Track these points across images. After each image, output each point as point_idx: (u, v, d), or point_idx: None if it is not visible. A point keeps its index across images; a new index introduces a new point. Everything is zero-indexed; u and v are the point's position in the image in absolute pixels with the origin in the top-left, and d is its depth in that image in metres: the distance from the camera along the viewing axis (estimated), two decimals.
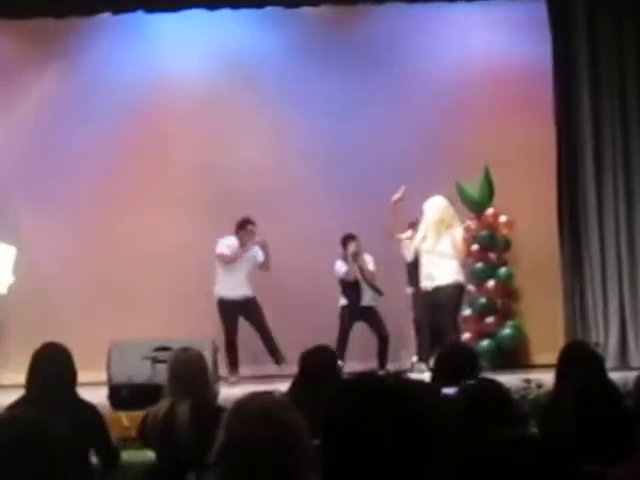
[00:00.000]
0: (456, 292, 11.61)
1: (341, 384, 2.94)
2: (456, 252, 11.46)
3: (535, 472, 2.27)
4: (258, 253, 12.23)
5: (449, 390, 4.37)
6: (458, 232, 11.58)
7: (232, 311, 12.10)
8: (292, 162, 13.12)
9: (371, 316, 12.21)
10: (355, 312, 12.19)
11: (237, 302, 12.08)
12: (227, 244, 12.18)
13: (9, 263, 11.28)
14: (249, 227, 12.12)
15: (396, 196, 11.60)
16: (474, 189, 12.77)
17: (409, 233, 11.90)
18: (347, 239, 12.16)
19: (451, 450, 2.56)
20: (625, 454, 3.74)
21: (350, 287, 12.24)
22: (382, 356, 12.11)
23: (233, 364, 11.88)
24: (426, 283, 11.56)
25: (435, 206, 11.56)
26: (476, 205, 12.80)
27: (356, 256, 12.16)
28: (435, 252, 11.47)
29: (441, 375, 6.09)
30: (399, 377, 2.88)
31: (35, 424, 2.94)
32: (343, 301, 12.27)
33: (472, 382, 4.59)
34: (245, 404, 3.58)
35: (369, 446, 2.59)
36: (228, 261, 12.10)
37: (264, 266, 12.24)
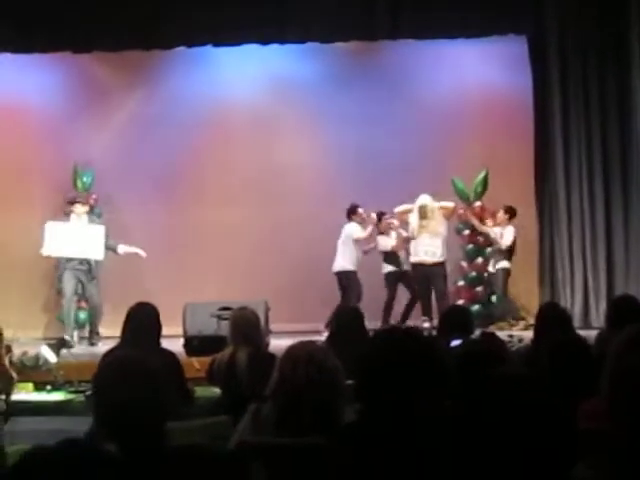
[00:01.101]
0: (442, 268, 11.65)
1: (377, 334, 2.96)
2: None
3: (525, 400, 2.29)
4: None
5: (456, 341, 4.37)
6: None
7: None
8: (326, 165, 13.09)
9: (408, 278, 11.92)
10: (398, 276, 11.93)
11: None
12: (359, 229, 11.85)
13: (101, 238, 11.31)
14: (359, 211, 11.87)
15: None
16: (466, 186, 12.71)
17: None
18: (381, 215, 11.90)
19: (458, 384, 2.58)
20: (590, 393, 3.72)
21: (393, 255, 11.94)
22: (408, 313, 11.88)
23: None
24: (426, 258, 11.55)
25: (428, 198, 11.57)
26: (465, 196, 12.76)
27: (396, 228, 11.98)
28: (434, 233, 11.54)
29: (445, 330, 6.09)
30: (418, 331, 2.90)
31: (138, 359, 2.96)
32: (389, 268, 11.96)
33: (479, 334, 4.57)
34: (294, 350, 3.61)
35: (397, 381, 2.61)
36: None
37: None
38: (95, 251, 11.29)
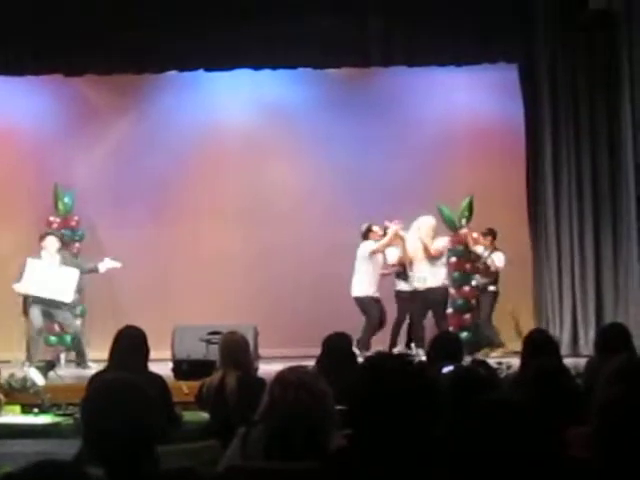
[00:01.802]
0: (445, 293, 11.65)
1: (367, 361, 2.96)
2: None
3: (512, 425, 2.30)
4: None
5: (446, 368, 4.37)
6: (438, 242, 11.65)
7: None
8: (317, 189, 13.11)
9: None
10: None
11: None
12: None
13: (74, 282, 11.21)
14: (374, 229, 11.61)
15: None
16: (452, 212, 12.73)
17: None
18: (387, 228, 11.60)
19: (449, 410, 2.59)
20: (574, 420, 3.72)
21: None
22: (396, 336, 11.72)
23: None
24: (418, 284, 11.53)
25: (430, 221, 11.59)
26: (452, 224, 12.77)
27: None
28: (428, 259, 11.53)
29: (435, 356, 6.10)
30: (408, 357, 2.91)
31: (128, 382, 2.96)
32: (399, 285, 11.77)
33: (470, 361, 4.58)
34: (285, 374, 3.61)
35: (387, 408, 2.61)
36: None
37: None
38: (64, 293, 11.13)
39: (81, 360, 11.27)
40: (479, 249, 12.17)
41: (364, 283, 11.48)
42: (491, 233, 12.08)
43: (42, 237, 11.45)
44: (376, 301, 11.52)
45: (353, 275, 11.53)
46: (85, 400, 2.98)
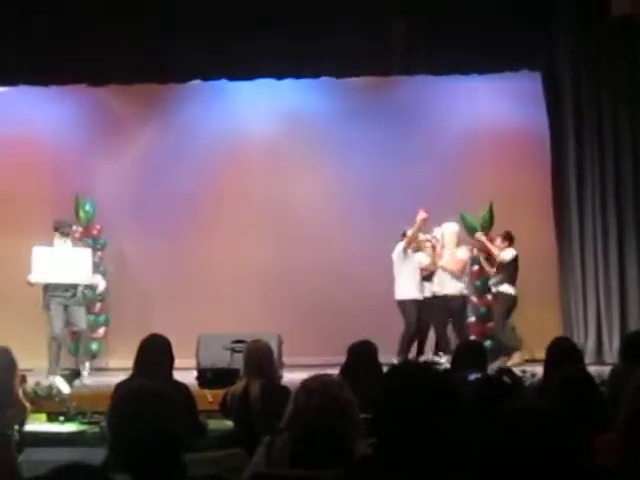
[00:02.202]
0: (464, 302, 11.63)
1: (392, 368, 2.97)
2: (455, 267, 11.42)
3: (538, 433, 2.30)
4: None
5: (472, 376, 4.36)
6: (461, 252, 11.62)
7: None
8: (339, 198, 13.08)
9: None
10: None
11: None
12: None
13: (89, 261, 11.13)
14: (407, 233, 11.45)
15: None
16: (476, 219, 12.72)
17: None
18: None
19: (474, 418, 2.59)
20: (599, 428, 3.71)
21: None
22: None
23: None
24: (437, 288, 11.52)
25: (454, 228, 11.58)
26: (475, 232, 12.73)
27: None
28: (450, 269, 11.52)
29: (460, 364, 6.09)
30: (433, 365, 2.92)
31: (154, 390, 2.97)
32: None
33: (496, 369, 4.58)
34: (310, 382, 3.62)
35: (412, 416, 2.62)
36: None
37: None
38: (82, 275, 11.04)
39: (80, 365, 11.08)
40: (495, 251, 12.09)
41: (402, 286, 11.44)
42: (508, 237, 11.98)
43: (56, 229, 11.25)
44: (417, 304, 11.46)
45: (394, 281, 11.49)
46: (112, 408, 3.00)
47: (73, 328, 11.37)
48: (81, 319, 11.13)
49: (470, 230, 12.69)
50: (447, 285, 11.47)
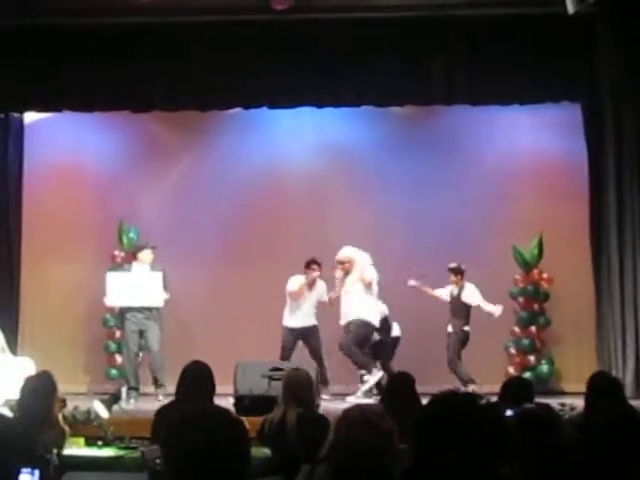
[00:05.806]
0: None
1: (434, 398, 2.98)
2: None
3: (584, 468, 2.31)
4: (324, 292, 11.88)
5: (509, 411, 4.36)
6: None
7: (293, 337, 11.73)
8: (379, 229, 12.93)
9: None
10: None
11: (299, 330, 11.74)
12: (295, 282, 11.81)
13: (160, 283, 11.63)
14: (313, 266, 11.77)
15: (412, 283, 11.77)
16: (526, 251, 12.72)
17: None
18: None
19: (515, 451, 2.61)
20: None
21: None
22: None
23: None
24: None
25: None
26: (526, 264, 12.76)
27: None
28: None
29: (505, 399, 6.10)
30: (475, 396, 2.94)
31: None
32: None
33: (533, 405, 4.58)
34: (350, 412, 3.63)
35: (453, 446, 2.64)
36: (295, 297, 11.80)
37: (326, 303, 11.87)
38: (154, 298, 11.54)
39: (158, 387, 11.43)
40: (437, 293, 12.05)
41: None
42: (459, 271, 11.92)
43: (138, 250, 11.97)
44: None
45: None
46: (169, 432, 2.77)
47: (146, 351, 11.82)
48: (154, 340, 11.59)
49: (521, 263, 12.68)
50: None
